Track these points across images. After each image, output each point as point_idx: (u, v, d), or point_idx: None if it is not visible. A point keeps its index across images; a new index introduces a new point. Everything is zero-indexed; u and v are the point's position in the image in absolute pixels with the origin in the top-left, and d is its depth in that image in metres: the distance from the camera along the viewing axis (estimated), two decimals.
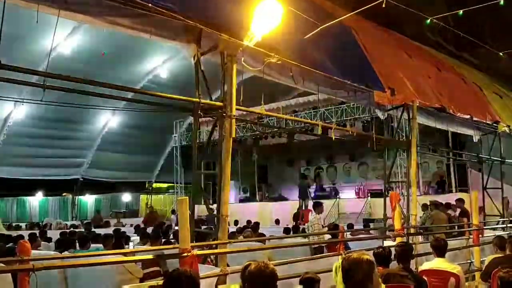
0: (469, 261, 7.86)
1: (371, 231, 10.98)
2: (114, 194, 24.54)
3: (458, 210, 11.57)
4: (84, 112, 16.78)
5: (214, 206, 6.11)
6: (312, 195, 18.90)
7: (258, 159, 21.92)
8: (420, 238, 8.32)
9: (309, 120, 14.65)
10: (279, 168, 24.91)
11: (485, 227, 9.59)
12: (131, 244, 9.58)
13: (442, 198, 12.50)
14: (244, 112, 8.14)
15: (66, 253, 6.56)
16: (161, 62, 17.93)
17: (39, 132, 18.43)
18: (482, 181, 13.32)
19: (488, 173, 13.45)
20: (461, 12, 9.29)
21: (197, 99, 5.70)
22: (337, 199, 18.23)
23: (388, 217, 8.87)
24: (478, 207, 7.88)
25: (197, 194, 7.52)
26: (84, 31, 14.32)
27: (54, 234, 11.38)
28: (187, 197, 4.49)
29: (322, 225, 10.38)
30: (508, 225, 10.83)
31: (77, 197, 22.38)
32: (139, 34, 5.49)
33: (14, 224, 17.61)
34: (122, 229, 14.87)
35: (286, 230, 11.64)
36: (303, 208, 16.79)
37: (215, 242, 5.54)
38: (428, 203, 11.19)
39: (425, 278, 4.70)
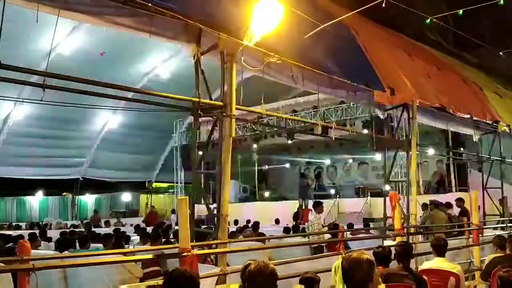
0: (469, 260, 7.86)
1: (371, 231, 10.99)
2: (114, 194, 24.54)
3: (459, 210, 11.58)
4: (84, 112, 16.74)
5: (214, 205, 6.11)
6: (313, 194, 18.90)
7: (258, 159, 21.92)
8: (420, 238, 8.32)
9: (309, 120, 14.64)
10: (279, 168, 24.92)
11: (485, 227, 9.59)
12: (131, 243, 9.58)
13: (442, 198, 12.48)
14: (244, 112, 8.15)
15: (66, 253, 6.56)
16: (161, 61, 17.91)
17: (39, 132, 18.41)
18: (482, 180, 13.33)
19: (488, 173, 13.45)
20: (461, 11, 9.28)
21: (197, 99, 5.71)
22: (337, 199, 18.23)
23: (388, 216, 8.87)
24: (478, 207, 7.89)
25: (197, 193, 7.52)
26: (84, 30, 14.31)
27: (54, 234, 11.39)
28: (187, 196, 4.49)
29: (322, 225, 10.39)
30: (508, 224, 10.84)
31: (77, 197, 22.37)
32: (139, 34, 5.50)
33: (14, 224, 17.60)
34: (122, 228, 14.89)
35: (286, 230, 11.65)
36: (303, 207, 16.78)
37: (215, 241, 5.54)
38: (428, 203, 11.20)
39: (425, 278, 4.70)
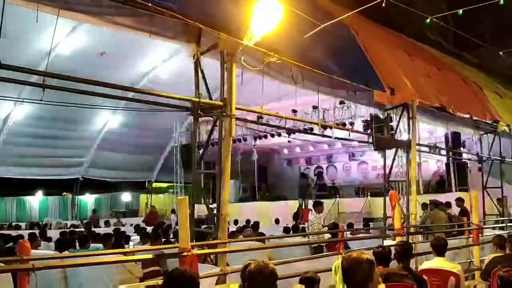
0: (469, 260, 7.86)
1: (371, 231, 10.98)
2: (114, 193, 24.55)
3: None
4: (84, 111, 16.72)
5: (214, 205, 6.11)
6: (313, 194, 18.90)
7: (258, 159, 21.91)
8: (420, 237, 8.32)
9: (308, 120, 14.62)
10: (279, 167, 24.91)
11: (484, 226, 9.59)
12: (131, 243, 9.58)
13: (442, 197, 12.48)
14: (244, 112, 8.15)
15: (66, 253, 6.56)
16: (161, 61, 17.90)
17: (39, 132, 18.40)
18: (482, 180, 13.32)
19: (488, 172, 13.45)
20: (461, 11, 9.29)
21: (197, 99, 5.71)
22: (337, 199, 18.23)
23: (388, 216, 8.87)
24: (478, 206, 7.89)
25: (197, 193, 7.52)
26: (83, 30, 14.30)
27: (54, 234, 11.39)
28: (187, 196, 4.49)
29: (322, 225, 10.38)
30: (508, 224, 10.84)
31: (77, 196, 22.36)
32: (139, 34, 5.51)
33: (14, 224, 17.60)
34: (122, 228, 14.89)
35: (286, 230, 11.65)
36: (303, 207, 16.78)
37: (215, 241, 5.54)
38: (428, 202, 11.19)
39: (425, 277, 4.70)
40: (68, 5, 4.65)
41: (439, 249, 5.46)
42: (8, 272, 3.92)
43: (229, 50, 5.72)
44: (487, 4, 8.86)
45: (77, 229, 13.45)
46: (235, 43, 5.50)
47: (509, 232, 9.10)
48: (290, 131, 14.57)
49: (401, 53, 10.08)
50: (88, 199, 23.45)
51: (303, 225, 12.61)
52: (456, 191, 15.85)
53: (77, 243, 7.51)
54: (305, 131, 13.31)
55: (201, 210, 9.92)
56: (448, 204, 11.63)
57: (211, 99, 5.97)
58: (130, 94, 9.23)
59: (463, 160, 15.93)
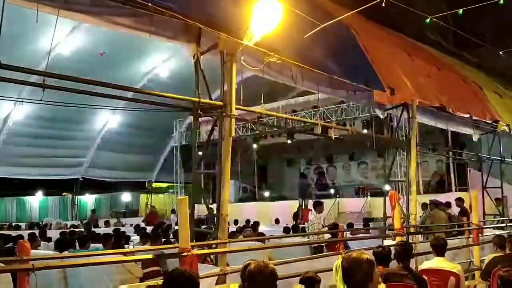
0: (469, 260, 7.86)
1: (371, 231, 10.98)
2: (114, 193, 24.56)
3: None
4: (84, 112, 16.75)
5: (214, 205, 6.11)
6: (313, 194, 18.92)
7: (258, 159, 21.92)
8: (420, 237, 8.32)
9: (308, 120, 14.64)
10: (279, 167, 24.91)
11: (484, 226, 9.59)
12: (131, 243, 9.58)
13: (442, 197, 12.49)
14: (244, 112, 8.14)
15: (65, 253, 6.56)
16: (161, 61, 17.92)
17: (39, 132, 18.41)
18: (481, 180, 13.32)
19: (488, 172, 13.45)
20: (460, 11, 9.29)
21: (197, 99, 5.71)
22: (337, 199, 18.24)
23: (388, 216, 8.87)
24: (478, 206, 7.89)
25: (197, 193, 7.52)
26: (83, 30, 14.31)
27: (54, 234, 11.39)
28: (187, 196, 4.49)
29: (323, 225, 10.38)
30: (508, 224, 10.84)
31: (77, 197, 22.37)
32: (139, 34, 5.50)
33: (14, 224, 17.60)
34: (122, 228, 14.89)
35: (286, 230, 11.65)
36: (303, 207, 16.79)
37: (215, 241, 5.54)
38: (428, 202, 11.20)
39: (425, 277, 4.70)
40: (68, 5, 4.65)
41: (439, 249, 5.47)
42: (8, 272, 3.92)
43: (229, 50, 5.71)
44: (487, 4, 8.86)
45: (77, 229, 13.45)
46: (235, 43, 5.50)
47: (509, 232, 9.11)
48: (290, 131, 14.58)
49: (401, 53, 10.07)
50: (88, 199, 23.46)
51: (303, 225, 12.61)
52: (456, 191, 15.88)
53: (77, 243, 7.51)
54: (304, 131, 13.30)
55: (201, 210, 9.93)
56: (448, 204, 11.63)
57: (211, 99, 5.97)
58: (130, 94, 9.23)
59: (463, 160, 15.97)
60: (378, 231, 10.34)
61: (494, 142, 13.22)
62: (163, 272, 6.02)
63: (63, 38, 14.30)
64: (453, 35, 16.68)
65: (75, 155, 20.83)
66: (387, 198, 8.03)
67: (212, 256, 5.81)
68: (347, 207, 17.50)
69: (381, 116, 9.90)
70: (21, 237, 9.27)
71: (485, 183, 13.21)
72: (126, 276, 5.68)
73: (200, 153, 8.03)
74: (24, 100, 10.04)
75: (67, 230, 12.58)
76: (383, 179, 10.56)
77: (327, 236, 9.16)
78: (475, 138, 12.88)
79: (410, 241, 6.98)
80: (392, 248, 4.96)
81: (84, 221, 18.15)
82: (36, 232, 12.07)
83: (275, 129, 18.89)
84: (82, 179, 21.52)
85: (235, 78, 5.75)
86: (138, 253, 6.02)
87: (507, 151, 13.89)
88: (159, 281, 3.74)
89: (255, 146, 19.99)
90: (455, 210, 11.67)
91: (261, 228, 11.92)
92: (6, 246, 8.20)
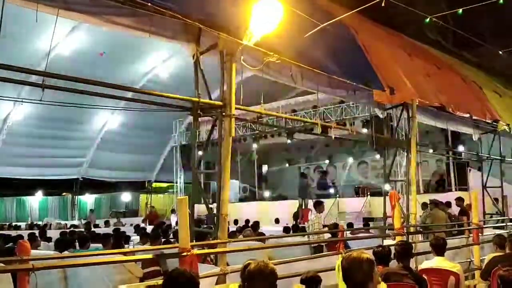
0: (468, 259, 7.86)
1: (371, 230, 10.98)
2: (114, 193, 24.56)
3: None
4: (84, 111, 16.76)
5: (214, 205, 6.11)
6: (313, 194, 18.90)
7: (258, 159, 21.92)
8: (419, 237, 8.32)
9: (308, 119, 14.65)
10: (279, 167, 24.91)
11: (484, 226, 9.59)
12: (131, 243, 9.58)
13: (442, 197, 12.48)
14: (244, 112, 8.14)
15: (65, 253, 6.56)
16: (161, 61, 17.92)
17: (39, 132, 18.42)
18: (481, 180, 13.33)
19: (487, 172, 13.45)
20: (460, 10, 9.29)
21: (197, 99, 5.71)
22: (337, 198, 18.23)
23: (387, 216, 8.87)
24: (478, 206, 7.89)
25: (196, 193, 7.52)
26: (83, 30, 14.31)
27: (53, 234, 11.40)
28: (187, 196, 4.49)
29: (323, 225, 10.37)
30: (508, 223, 10.84)
31: (76, 197, 22.38)
32: (139, 34, 5.50)
33: (13, 224, 17.61)
34: (122, 228, 14.90)
35: (286, 229, 11.65)
36: (303, 207, 16.78)
37: (215, 241, 5.54)
38: (428, 202, 11.19)
39: (425, 277, 4.70)
40: (68, 5, 4.65)
41: (439, 249, 5.47)
42: (8, 272, 3.91)
43: (228, 50, 5.71)
44: (487, 4, 8.86)
45: (77, 229, 13.45)
46: (235, 43, 5.50)
47: (509, 232, 9.10)
48: (290, 131, 14.58)
49: (401, 53, 10.07)
50: (88, 199, 23.46)
51: (303, 225, 12.60)
52: (456, 190, 15.88)
53: (77, 243, 7.51)
54: (305, 131, 13.30)
55: (201, 210, 9.94)
56: (448, 204, 11.63)
57: (210, 99, 5.97)
58: (130, 94, 9.24)
59: (463, 160, 15.97)
60: (378, 231, 10.33)
61: (494, 142, 13.22)
62: (163, 272, 6.01)
63: (63, 38, 14.30)
64: (453, 34, 16.68)
65: (75, 155, 20.84)
66: (387, 198, 8.03)
67: (212, 256, 5.81)
68: (347, 207, 17.49)
69: (381, 116, 9.89)
70: (21, 237, 9.28)
71: (485, 183, 13.21)
72: (126, 276, 5.67)
73: (200, 153, 8.04)
74: (23, 100, 10.04)
75: (67, 230, 12.59)
76: (383, 179, 10.54)
77: (327, 236, 9.16)
78: (475, 137, 12.88)
79: (410, 240, 6.98)
80: (392, 248, 4.96)
81: (84, 221, 18.16)
82: (36, 232, 12.08)
83: (275, 129, 18.88)
84: (82, 179, 21.53)
85: (234, 78, 5.75)
86: (138, 253, 6.02)
87: (507, 151, 13.89)
88: (159, 281, 3.74)
89: (255, 146, 19.99)
90: (455, 209, 11.67)
91: (261, 228, 11.91)
92: (6, 246, 8.20)
